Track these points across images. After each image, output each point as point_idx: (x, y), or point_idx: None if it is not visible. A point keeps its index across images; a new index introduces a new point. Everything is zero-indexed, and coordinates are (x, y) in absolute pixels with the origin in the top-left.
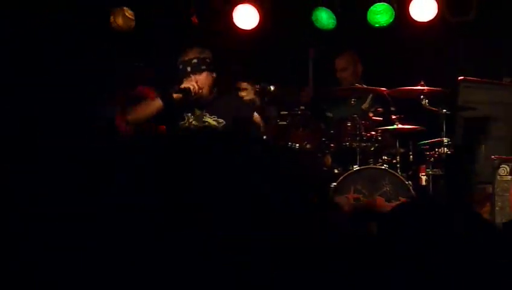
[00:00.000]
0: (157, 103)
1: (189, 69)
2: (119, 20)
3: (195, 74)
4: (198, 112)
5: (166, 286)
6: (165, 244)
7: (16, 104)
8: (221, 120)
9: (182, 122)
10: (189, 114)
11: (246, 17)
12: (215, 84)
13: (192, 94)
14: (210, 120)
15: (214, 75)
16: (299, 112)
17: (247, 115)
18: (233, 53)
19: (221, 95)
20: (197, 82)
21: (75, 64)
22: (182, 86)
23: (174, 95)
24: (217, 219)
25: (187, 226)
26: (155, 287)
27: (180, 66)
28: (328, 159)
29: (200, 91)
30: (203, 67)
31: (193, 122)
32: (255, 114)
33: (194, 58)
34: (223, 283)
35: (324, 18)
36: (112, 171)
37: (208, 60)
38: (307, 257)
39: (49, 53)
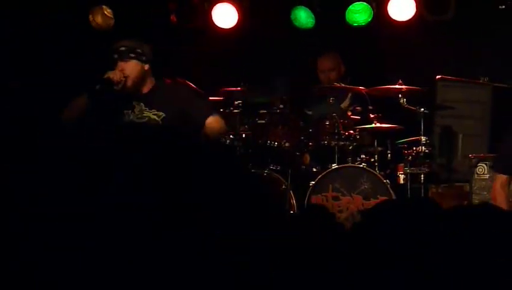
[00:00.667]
0: (83, 97)
1: (116, 56)
2: (98, 19)
3: (122, 60)
4: (137, 107)
5: (165, 285)
6: (162, 243)
7: (15, 104)
8: (161, 113)
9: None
10: (129, 111)
11: (225, 16)
12: (148, 75)
13: (115, 84)
14: (150, 114)
15: (147, 67)
16: (278, 110)
17: (191, 106)
18: (212, 52)
19: (160, 86)
20: (123, 70)
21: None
22: (104, 76)
23: (97, 88)
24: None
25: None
26: (154, 287)
27: (108, 55)
28: (307, 158)
29: (123, 79)
30: (132, 55)
31: (133, 118)
32: (215, 116)
33: (123, 46)
34: (217, 280)
35: (303, 17)
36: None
37: (138, 50)
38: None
39: (43, 53)
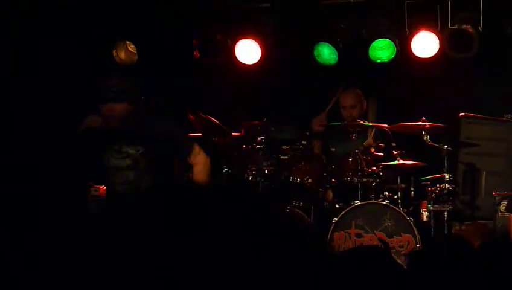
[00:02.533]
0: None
1: (110, 95)
2: (122, 54)
3: (114, 102)
4: (116, 147)
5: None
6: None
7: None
8: (139, 147)
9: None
10: (109, 152)
11: (248, 52)
12: (133, 113)
13: (95, 130)
14: (129, 149)
15: (133, 107)
16: (301, 147)
17: (171, 141)
18: (234, 88)
19: (139, 123)
20: (111, 111)
21: (81, 95)
22: (89, 123)
23: (80, 129)
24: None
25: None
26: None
27: (98, 92)
28: (330, 194)
29: (113, 121)
30: (122, 97)
31: (114, 158)
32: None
33: (114, 86)
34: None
35: (326, 53)
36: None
37: (130, 92)
38: None
39: (58, 84)
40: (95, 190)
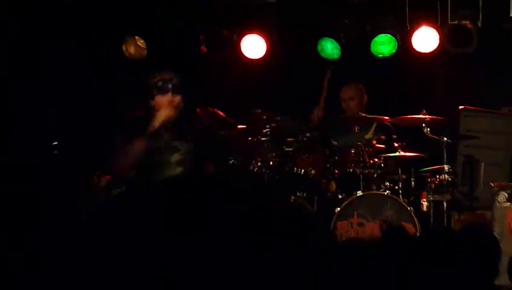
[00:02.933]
0: (142, 142)
1: (170, 86)
2: (131, 49)
3: (175, 94)
4: (166, 136)
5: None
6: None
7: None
8: (186, 142)
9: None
10: (157, 146)
11: (253, 47)
12: (179, 107)
13: (170, 122)
14: (177, 144)
15: (178, 98)
16: (305, 139)
17: (207, 137)
18: (240, 82)
19: (184, 117)
20: (175, 102)
21: (92, 89)
22: (160, 117)
23: (153, 126)
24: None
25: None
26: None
27: (159, 83)
28: (333, 185)
29: (176, 115)
30: (181, 90)
31: (165, 149)
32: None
33: (175, 78)
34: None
35: (329, 48)
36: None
37: (174, 81)
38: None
39: (67, 78)
40: (104, 180)
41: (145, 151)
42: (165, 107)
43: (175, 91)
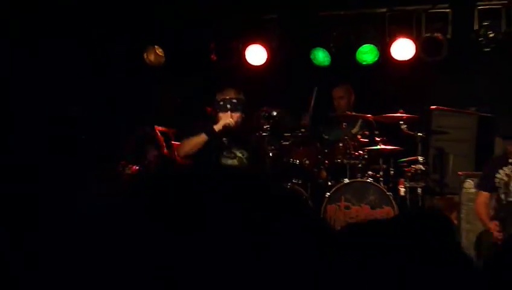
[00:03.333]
0: (203, 137)
1: (228, 106)
2: (151, 57)
3: (233, 112)
4: (226, 148)
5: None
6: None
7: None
8: (244, 151)
9: (221, 153)
10: (220, 152)
11: (255, 55)
12: (237, 122)
13: (230, 129)
14: (237, 152)
15: (244, 115)
16: (300, 134)
17: (262, 148)
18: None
19: (244, 131)
20: (233, 119)
21: (117, 92)
22: (223, 122)
23: (216, 128)
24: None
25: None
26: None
27: (221, 103)
28: (324, 174)
29: (234, 127)
30: (239, 107)
31: (225, 153)
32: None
33: (234, 98)
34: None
35: (320, 56)
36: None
37: (243, 102)
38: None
39: (93, 83)
40: (128, 168)
41: (204, 147)
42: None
43: (233, 110)
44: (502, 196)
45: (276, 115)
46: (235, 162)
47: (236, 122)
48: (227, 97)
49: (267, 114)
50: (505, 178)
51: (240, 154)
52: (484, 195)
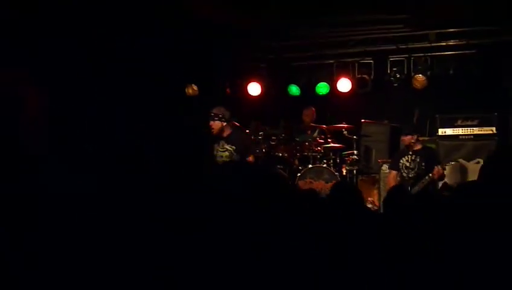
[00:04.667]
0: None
1: (211, 118)
2: (189, 91)
3: (212, 121)
4: (221, 143)
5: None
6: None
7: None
8: (234, 147)
9: (216, 148)
10: (216, 145)
11: (254, 89)
12: (227, 127)
13: (212, 132)
14: (228, 147)
15: (225, 124)
16: (281, 137)
17: (245, 144)
18: (247, 108)
19: (233, 131)
20: (212, 126)
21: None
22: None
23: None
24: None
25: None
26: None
27: (206, 115)
28: (296, 162)
29: (213, 131)
30: (216, 118)
31: (219, 148)
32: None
33: (213, 113)
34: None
35: (294, 90)
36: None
37: (220, 115)
38: None
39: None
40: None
41: (212, 149)
42: (215, 125)
43: (215, 119)
44: (404, 174)
45: (267, 127)
46: (226, 153)
47: (218, 128)
48: (213, 112)
49: (261, 126)
50: (406, 163)
51: (230, 148)
52: (393, 173)
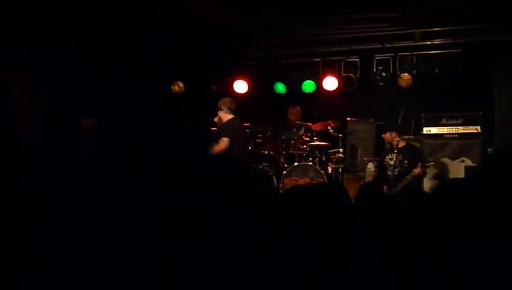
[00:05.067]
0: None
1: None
2: (176, 88)
3: (218, 112)
4: (220, 132)
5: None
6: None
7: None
8: (227, 136)
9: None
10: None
11: (240, 87)
12: (224, 116)
13: (217, 122)
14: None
15: (222, 113)
16: (267, 135)
17: (241, 132)
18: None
19: (226, 122)
20: (217, 116)
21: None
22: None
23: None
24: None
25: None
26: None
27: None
28: (282, 159)
29: (218, 120)
30: (219, 110)
31: (219, 136)
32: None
33: (218, 104)
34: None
35: (280, 88)
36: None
37: (219, 105)
38: None
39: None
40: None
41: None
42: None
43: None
44: (389, 172)
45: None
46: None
47: (218, 119)
48: (218, 104)
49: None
50: (390, 161)
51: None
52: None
